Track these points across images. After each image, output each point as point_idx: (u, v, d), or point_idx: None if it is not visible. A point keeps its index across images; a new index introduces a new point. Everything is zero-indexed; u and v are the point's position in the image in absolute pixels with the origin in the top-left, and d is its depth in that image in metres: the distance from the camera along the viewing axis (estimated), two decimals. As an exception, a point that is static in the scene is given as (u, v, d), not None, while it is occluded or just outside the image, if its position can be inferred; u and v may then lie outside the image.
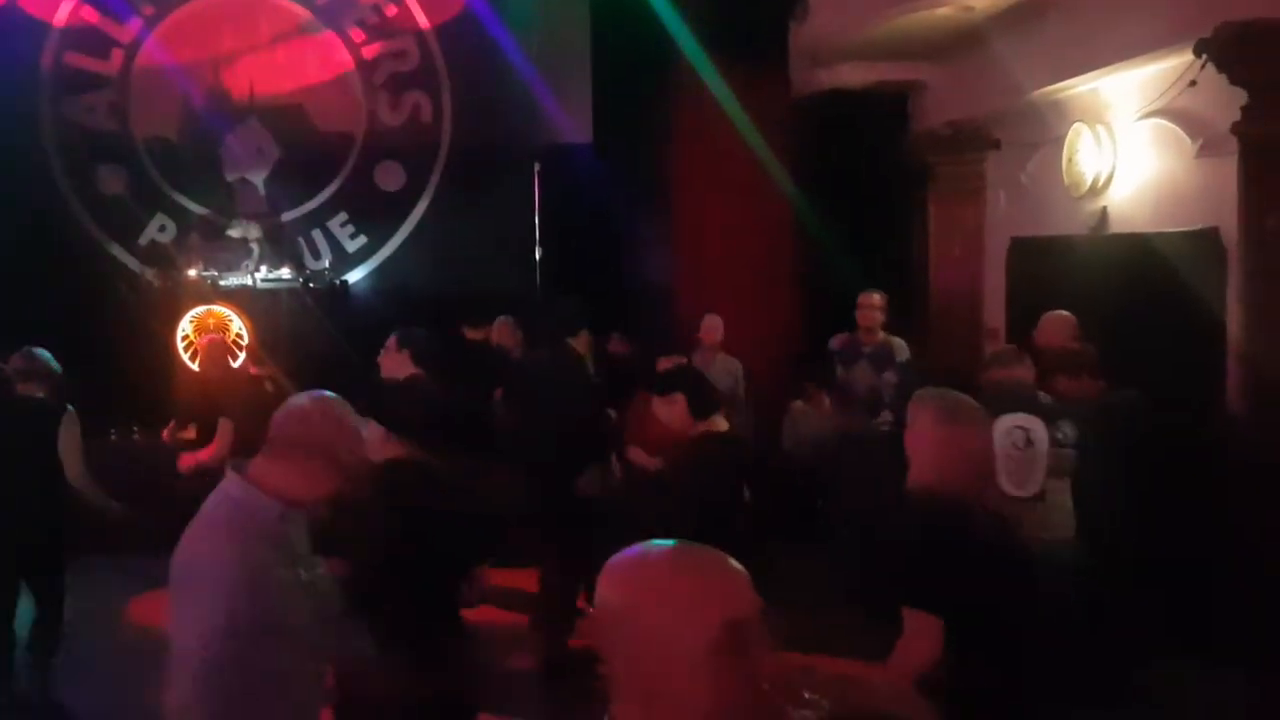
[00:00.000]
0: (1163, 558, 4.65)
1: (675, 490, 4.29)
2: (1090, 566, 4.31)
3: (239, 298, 8.19)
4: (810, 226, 8.20)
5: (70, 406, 5.10)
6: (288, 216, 9.12)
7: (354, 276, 9.32)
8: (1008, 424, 4.14)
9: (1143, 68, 5.70)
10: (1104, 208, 6.20)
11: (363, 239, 9.40)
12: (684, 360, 5.91)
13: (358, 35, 9.39)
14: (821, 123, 8.26)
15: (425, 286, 8.91)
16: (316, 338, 8.03)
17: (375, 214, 9.37)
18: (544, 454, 5.34)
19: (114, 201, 9.03)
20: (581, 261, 8.77)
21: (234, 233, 8.64)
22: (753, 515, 4.57)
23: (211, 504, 2.33)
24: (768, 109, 8.24)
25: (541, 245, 9.47)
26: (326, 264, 9.18)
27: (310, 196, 9.28)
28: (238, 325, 7.91)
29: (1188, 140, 5.54)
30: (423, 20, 9.43)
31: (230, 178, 9.07)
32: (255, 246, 8.59)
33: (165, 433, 6.72)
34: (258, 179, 9.10)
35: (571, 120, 9.12)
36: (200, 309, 8.02)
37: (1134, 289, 5.73)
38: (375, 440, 3.12)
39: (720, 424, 4.23)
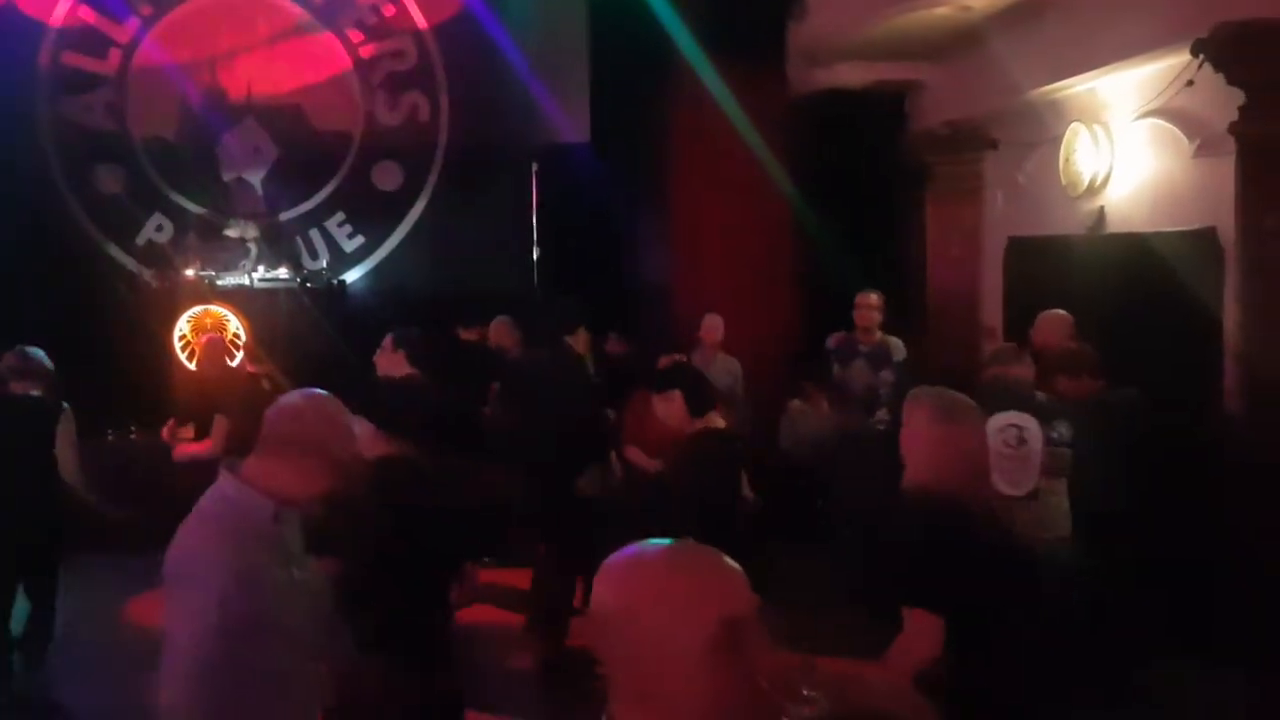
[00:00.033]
0: (1161, 557, 4.66)
1: (673, 488, 4.30)
2: (1088, 566, 4.31)
3: (236, 297, 8.19)
4: (808, 226, 8.20)
5: (66, 405, 5.10)
6: (285, 216, 9.11)
7: (351, 276, 9.31)
8: (1001, 422, 4.14)
9: (1140, 68, 5.70)
10: (1101, 207, 6.20)
11: (360, 239, 9.39)
12: (683, 359, 5.92)
13: (355, 35, 9.39)
14: (819, 122, 8.26)
15: (423, 286, 8.91)
16: (314, 337, 8.02)
17: (373, 214, 9.36)
18: (543, 454, 5.34)
19: (111, 201, 9.02)
20: (579, 261, 8.77)
21: (231, 232, 8.63)
22: (757, 514, 4.59)
23: (205, 503, 2.33)
24: (766, 109, 8.23)
25: (539, 245, 9.47)
26: (324, 264, 9.17)
27: (308, 196, 9.27)
28: (235, 325, 7.90)
29: (1185, 140, 5.55)
30: (420, 20, 9.43)
31: (227, 177, 9.06)
32: (253, 246, 8.59)
33: (164, 432, 6.72)
34: (255, 179, 9.09)
35: (569, 120, 9.12)
36: (197, 309, 8.02)
37: (1131, 289, 5.74)
38: (366, 438, 3.12)
39: (717, 421, 4.24)
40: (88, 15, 9.05)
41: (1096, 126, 6.15)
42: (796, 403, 7.08)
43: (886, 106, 8.33)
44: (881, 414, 6.29)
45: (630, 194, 8.66)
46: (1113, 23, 5.68)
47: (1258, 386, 4.97)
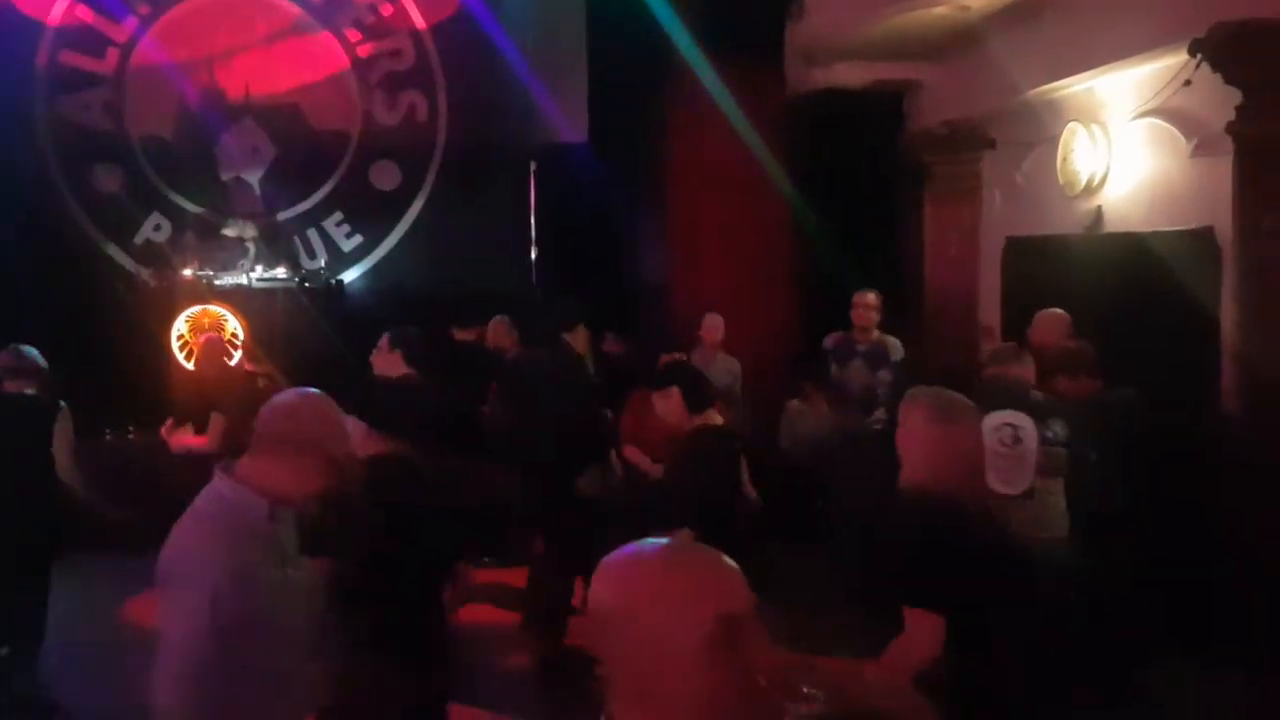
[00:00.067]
0: (1160, 557, 4.66)
1: (672, 485, 4.31)
2: (1086, 565, 4.31)
3: (234, 297, 8.19)
4: (806, 226, 8.21)
5: (62, 404, 5.11)
6: (283, 216, 9.11)
7: (349, 276, 9.31)
8: (996, 421, 4.14)
9: (1138, 67, 5.71)
10: (1099, 207, 6.21)
11: (358, 238, 9.40)
12: (684, 358, 5.93)
13: (353, 34, 9.39)
14: (817, 122, 8.26)
15: (421, 286, 8.90)
16: (312, 337, 8.02)
17: (371, 213, 9.36)
18: (542, 453, 5.34)
19: (109, 200, 9.01)
20: (578, 261, 8.77)
21: (229, 232, 8.63)
22: (758, 513, 4.60)
23: (200, 503, 2.34)
24: (764, 108, 8.24)
25: (537, 245, 9.48)
26: (322, 263, 9.17)
27: (306, 196, 9.27)
28: (233, 324, 7.90)
29: (1183, 140, 5.56)
30: (418, 20, 9.43)
31: (226, 177, 9.06)
32: (251, 246, 8.58)
33: (163, 431, 6.72)
34: (253, 178, 9.09)
35: (567, 119, 9.12)
36: (195, 308, 8.02)
37: (1129, 288, 5.75)
38: (359, 437, 3.12)
39: (715, 418, 4.26)
40: (85, 15, 9.04)
41: (1094, 126, 6.16)
42: (795, 402, 7.08)
43: (885, 106, 8.33)
44: (879, 414, 6.29)
45: (628, 194, 8.66)
46: (1110, 23, 5.68)
47: (1255, 386, 4.98)
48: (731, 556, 1.43)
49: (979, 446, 2.77)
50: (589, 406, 5.60)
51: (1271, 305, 4.91)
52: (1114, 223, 6.12)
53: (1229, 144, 4.96)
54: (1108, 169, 6.11)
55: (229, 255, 8.51)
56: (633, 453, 5.52)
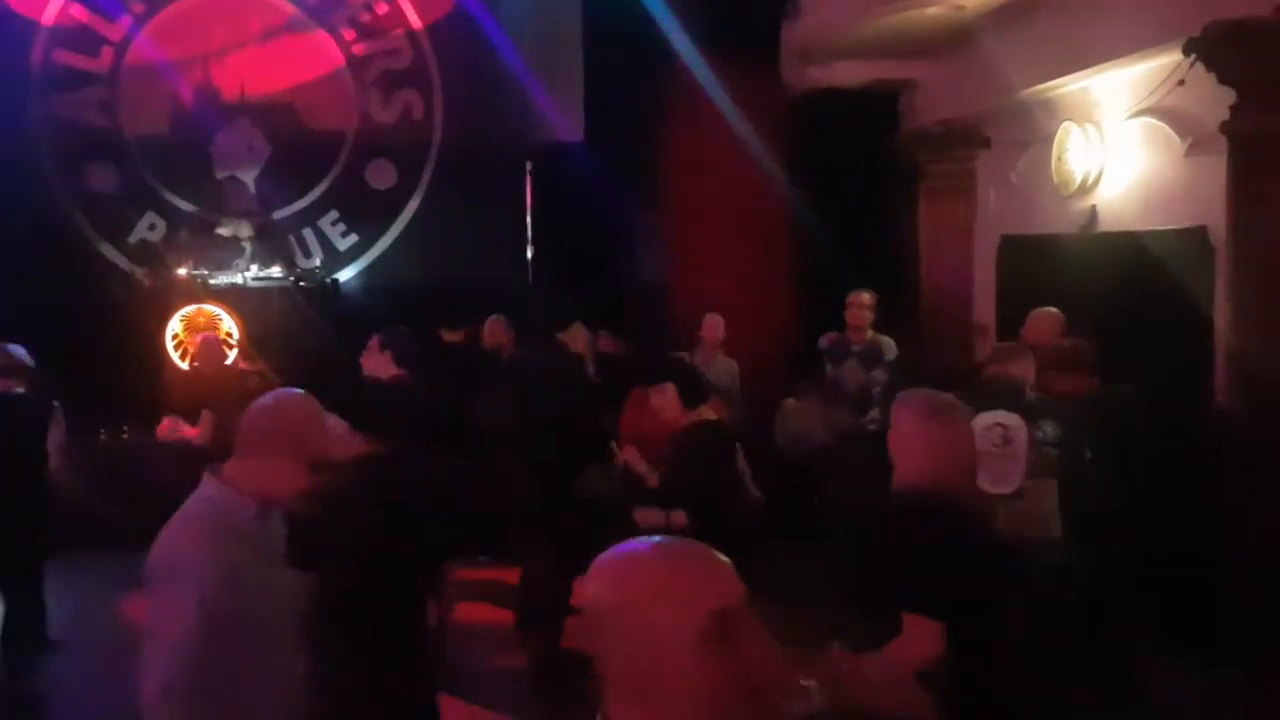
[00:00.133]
0: (1158, 556, 4.66)
1: (669, 481, 4.33)
2: (1083, 565, 4.31)
3: (229, 296, 8.18)
4: (802, 224, 8.21)
5: (56, 404, 5.11)
6: (279, 215, 9.10)
7: (345, 275, 9.31)
8: (987, 422, 4.14)
9: (1132, 67, 5.72)
10: (1093, 206, 6.22)
11: (354, 237, 9.39)
12: (684, 357, 5.95)
13: (349, 33, 9.38)
14: (813, 121, 8.27)
15: (416, 285, 8.90)
16: (307, 336, 8.02)
17: (366, 212, 9.36)
18: (539, 453, 5.34)
19: (104, 199, 9.00)
20: (573, 260, 8.77)
21: (223, 231, 8.62)
22: (761, 510, 4.61)
23: (188, 504, 2.35)
24: (759, 107, 8.25)
25: (533, 244, 9.48)
26: (318, 262, 9.16)
27: (301, 194, 9.26)
28: (228, 324, 7.90)
29: (1177, 139, 5.57)
30: (414, 19, 9.43)
31: (220, 176, 9.05)
32: (246, 245, 8.57)
33: (158, 432, 6.74)
34: (248, 177, 9.07)
35: (563, 118, 9.13)
36: (190, 307, 8.01)
37: (1123, 287, 5.76)
38: (344, 437, 3.12)
39: (709, 413, 4.28)
40: (80, 13, 9.03)
41: (1088, 125, 6.17)
42: (791, 401, 7.09)
43: (880, 105, 8.34)
44: (874, 413, 6.30)
45: (624, 193, 8.66)
46: (1104, 22, 5.69)
47: (1249, 384, 4.99)
48: (729, 553, 1.43)
49: (971, 447, 2.78)
50: (586, 406, 5.60)
51: (1264, 304, 4.91)
52: (1108, 222, 6.13)
53: (1223, 143, 4.97)
54: (1102, 168, 6.12)
55: (224, 254, 8.50)
56: (631, 455, 5.50)
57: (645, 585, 1.37)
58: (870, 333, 6.72)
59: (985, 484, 4.03)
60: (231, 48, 9.17)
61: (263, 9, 9.26)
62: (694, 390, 4.27)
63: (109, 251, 9.02)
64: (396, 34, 9.41)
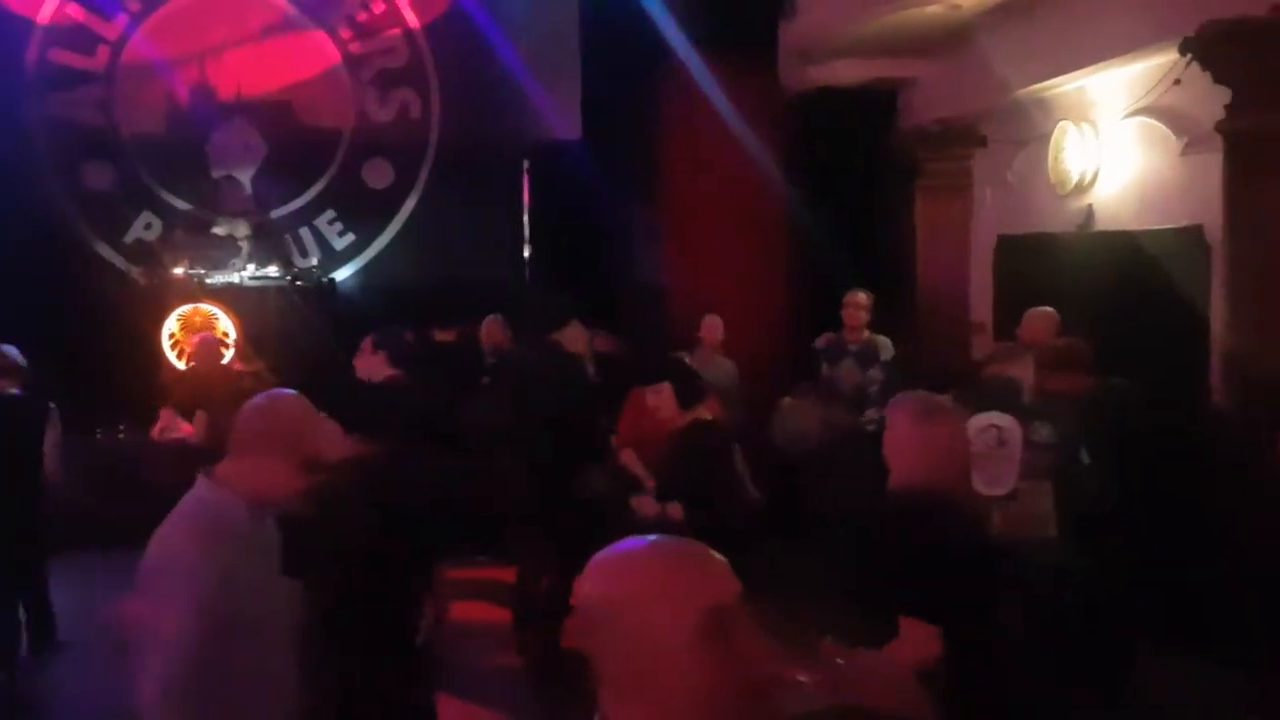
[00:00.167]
0: (1156, 556, 4.66)
1: (665, 479, 4.34)
2: (1079, 565, 4.31)
3: (226, 295, 8.16)
4: (799, 223, 8.22)
5: (52, 405, 5.12)
6: (275, 214, 9.08)
7: (342, 274, 9.30)
8: (981, 423, 4.15)
9: (1128, 66, 5.73)
10: (1090, 205, 6.23)
11: (351, 236, 9.38)
12: (682, 357, 5.95)
13: (346, 32, 9.37)
14: (810, 120, 8.27)
15: (414, 285, 8.90)
16: (304, 335, 8.01)
17: (363, 211, 9.35)
18: (534, 452, 5.34)
19: (100, 198, 8.99)
20: (571, 259, 8.78)
21: (220, 230, 8.60)
22: (760, 510, 4.62)
23: (182, 505, 2.35)
24: (757, 106, 8.25)
25: (531, 243, 9.47)
26: (314, 262, 9.15)
27: (298, 194, 9.25)
28: (224, 323, 7.88)
29: (1173, 138, 5.58)
30: (411, 17, 9.42)
31: (217, 174, 9.03)
32: (243, 244, 8.56)
33: (154, 431, 6.74)
34: (244, 176, 9.06)
35: (561, 117, 9.12)
36: (187, 307, 7.99)
37: (1120, 286, 5.77)
38: (337, 438, 3.12)
39: (705, 413, 4.29)
40: (76, 12, 9.01)
41: (1085, 124, 6.18)
42: (788, 401, 7.10)
43: (878, 104, 8.34)
44: (871, 413, 6.31)
45: (622, 191, 8.66)
46: (1101, 21, 5.70)
47: (1244, 382, 5.00)
48: (726, 552, 1.43)
49: (965, 449, 2.78)
50: (584, 405, 5.59)
51: (1259, 302, 4.92)
52: (1105, 221, 6.14)
53: (1219, 142, 4.98)
54: (1098, 167, 6.13)
55: (220, 254, 8.49)
56: (629, 457, 5.50)
57: (641, 584, 1.37)
58: (866, 332, 6.73)
59: (980, 486, 4.04)
60: (228, 46, 9.15)
61: (259, 8, 9.24)
62: (690, 390, 4.28)
63: (105, 251, 9.00)
64: (393, 33, 9.40)
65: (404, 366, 4.86)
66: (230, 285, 8.33)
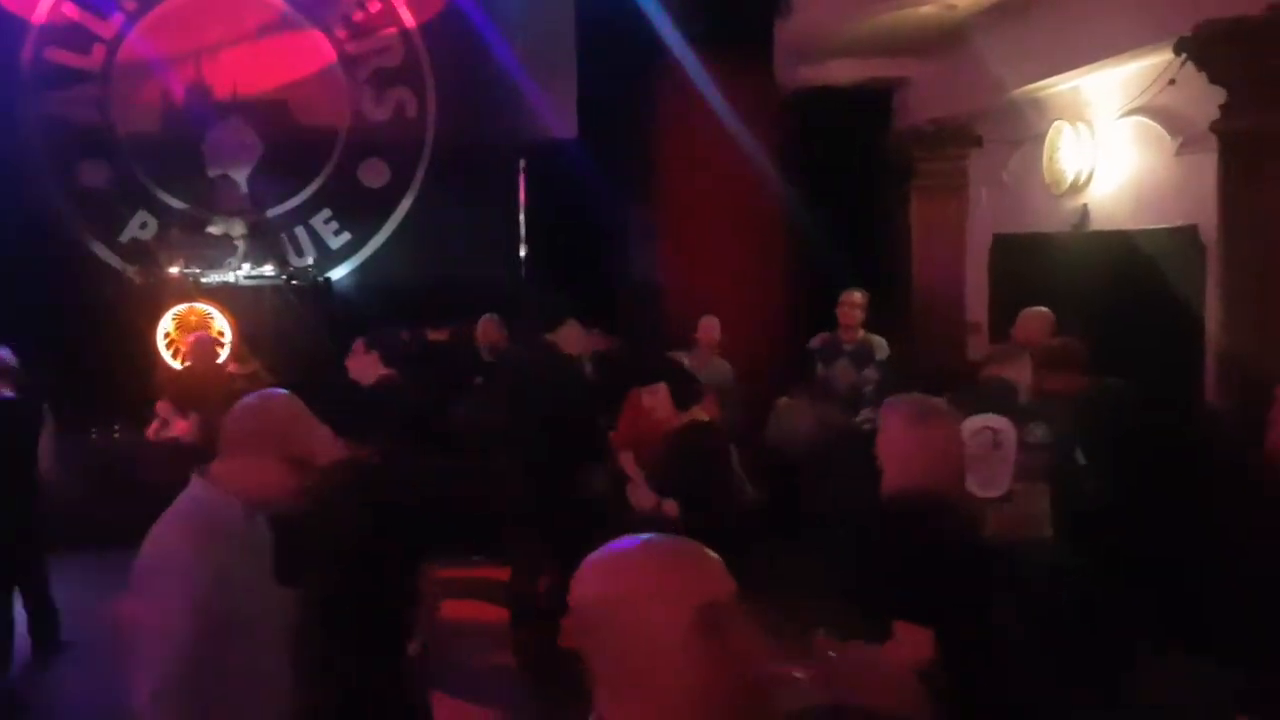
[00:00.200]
0: (1152, 555, 4.66)
1: (660, 480, 4.34)
2: (1076, 565, 4.32)
3: (221, 295, 8.15)
4: (795, 223, 8.23)
5: (45, 406, 5.13)
6: (271, 213, 9.08)
7: (338, 274, 9.30)
8: (975, 425, 4.15)
9: (1123, 66, 5.74)
10: (1085, 205, 6.24)
11: (346, 236, 9.38)
12: (680, 358, 5.96)
13: (341, 31, 9.37)
14: (806, 119, 8.28)
15: (409, 284, 8.90)
16: (299, 335, 8.00)
17: (359, 211, 9.35)
18: (530, 451, 5.34)
19: (96, 197, 8.98)
20: (567, 258, 8.78)
21: (215, 229, 8.59)
22: (758, 509, 4.63)
23: (177, 504, 2.35)
24: (753, 105, 8.25)
25: (527, 242, 9.48)
26: (310, 261, 9.15)
27: (294, 193, 9.25)
28: (220, 322, 7.88)
29: (1168, 138, 5.59)
30: (407, 17, 9.42)
31: (213, 173, 9.02)
32: (239, 243, 8.55)
33: (150, 431, 6.73)
34: (240, 175, 9.05)
35: (557, 116, 9.12)
36: (182, 306, 7.98)
37: (1115, 285, 5.78)
38: (327, 440, 3.12)
39: (701, 414, 4.29)
40: (71, 11, 9.00)
41: (1080, 124, 6.19)
42: (784, 400, 7.11)
43: (873, 103, 8.36)
44: (866, 412, 6.32)
45: (618, 191, 8.67)
46: (1096, 21, 5.71)
47: (1239, 382, 5.01)
48: (722, 552, 1.44)
49: (959, 451, 2.78)
50: (580, 405, 5.59)
51: (1256, 302, 4.93)
52: (1100, 220, 6.15)
53: (1214, 142, 4.99)
54: (1093, 167, 6.14)
55: (216, 253, 8.48)
56: (626, 461, 5.49)
57: (635, 582, 1.37)
58: (861, 332, 6.73)
59: (974, 487, 4.05)
60: (224, 45, 9.14)
61: (255, 6, 9.24)
62: (686, 391, 4.29)
63: (100, 250, 8.99)
64: (389, 32, 9.40)
65: (397, 366, 4.86)
66: (226, 284, 8.33)
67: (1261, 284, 4.88)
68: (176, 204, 9.02)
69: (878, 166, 8.33)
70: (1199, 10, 4.78)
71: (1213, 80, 4.86)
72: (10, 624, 5.15)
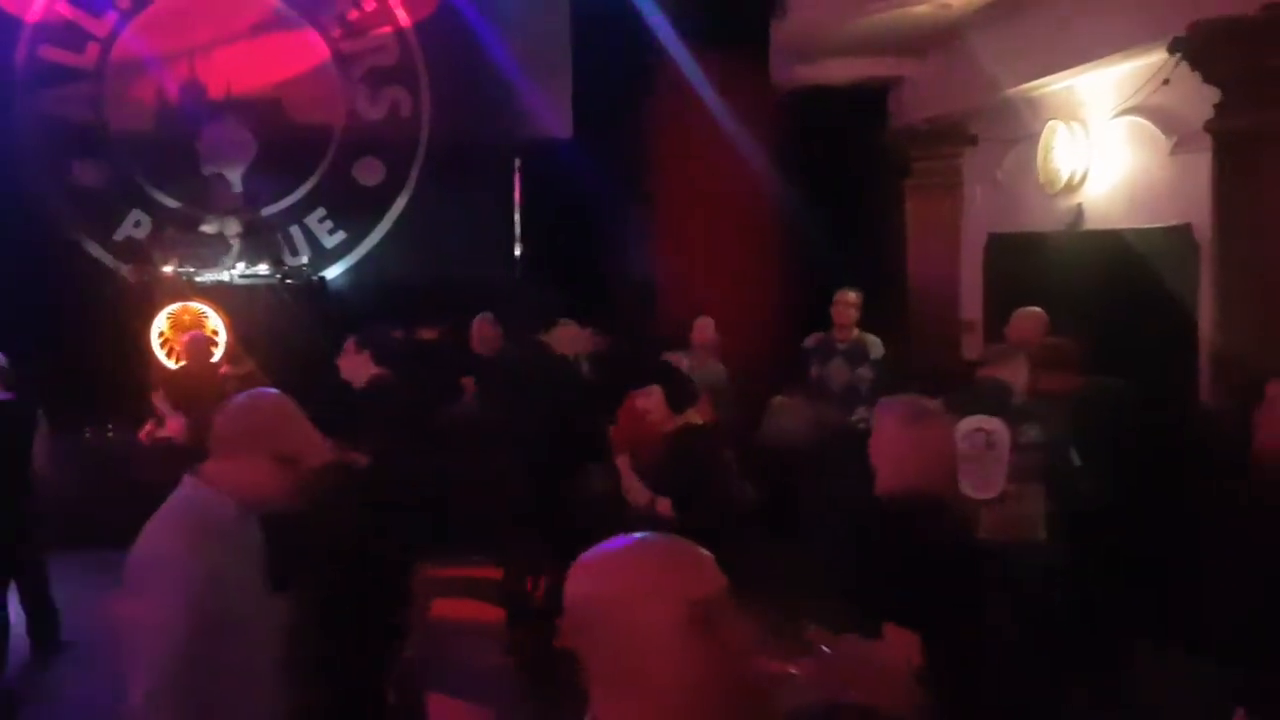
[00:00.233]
0: (1148, 555, 4.67)
1: (655, 484, 4.34)
2: (1072, 566, 4.32)
3: (215, 294, 8.14)
4: (790, 221, 8.23)
5: (38, 405, 5.13)
6: (266, 211, 9.05)
7: (332, 273, 9.28)
8: (968, 426, 4.15)
9: (1118, 65, 5.75)
10: (1079, 204, 6.25)
11: (341, 235, 9.36)
12: (677, 359, 5.96)
13: (336, 30, 9.35)
14: (801, 118, 8.29)
15: (404, 283, 8.88)
16: (294, 334, 7.98)
17: (354, 210, 9.33)
18: (524, 450, 5.34)
19: (90, 196, 8.95)
20: (563, 257, 8.78)
21: (209, 228, 8.57)
22: (751, 510, 4.63)
23: (169, 504, 2.34)
24: (748, 104, 8.26)
25: (522, 241, 9.47)
26: (305, 260, 9.13)
27: (288, 191, 9.23)
28: (214, 321, 7.86)
29: (1162, 137, 5.60)
30: (402, 15, 9.40)
31: (207, 172, 9.00)
32: (233, 242, 8.53)
33: (142, 434, 6.73)
34: (235, 174, 9.03)
35: (552, 115, 9.12)
36: (176, 305, 7.97)
37: (1109, 284, 5.79)
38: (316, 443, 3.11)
39: (696, 418, 4.29)
40: (65, 9, 8.98)
41: (1074, 124, 6.20)
42: (779, 399, 7.10)
43: (868, 102, 8.36)
44: (861, 411, 6.32)
45: (613, 190, 8.66)
46: (1090, 21, 5.72)
47: (1232, 381, 5.02)
48: (717, 552, 1.44)
49: (952, 452, 2.78)
50: (575, 404, 5.59)
51: (1249, 301, 4.95)
52: (1094, 219, 6.16)
53: (1208, 141, 5.00)
54: (1088, 166, 6.15)
55: (210, 252, 8.46)
56: (623, 464, 5.48)
57: (627, 581, 1.37)
58: (856, 331, 6.73)
59: (968, 489, 4.05)
60: (218, 44, 9.12)
61: (250, 5, 9.21)
62: (681, 394, 4.29)
63: (94, 249, 8.97)
64: (384, 31, 9.39)
65: (389, 365, 4.86)
66: (220, 283, 8.31)
67: (1255, 283, 4.89)
68: (171, 202, 9.00)
69: (873, 165, 8.34)
70: (1193, 10, 4.79)
71: (1207, 80, 4.87)
72: (5, 623, 5.14)
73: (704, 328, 7.00)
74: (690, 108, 8.19)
